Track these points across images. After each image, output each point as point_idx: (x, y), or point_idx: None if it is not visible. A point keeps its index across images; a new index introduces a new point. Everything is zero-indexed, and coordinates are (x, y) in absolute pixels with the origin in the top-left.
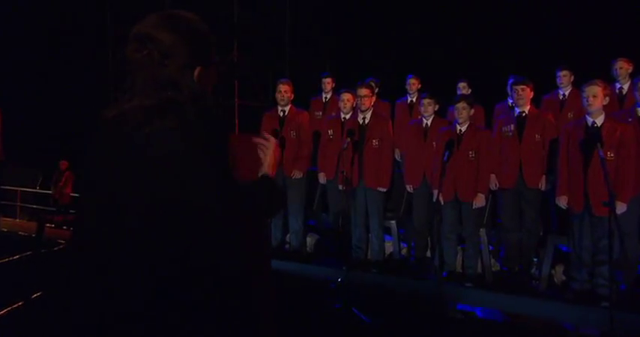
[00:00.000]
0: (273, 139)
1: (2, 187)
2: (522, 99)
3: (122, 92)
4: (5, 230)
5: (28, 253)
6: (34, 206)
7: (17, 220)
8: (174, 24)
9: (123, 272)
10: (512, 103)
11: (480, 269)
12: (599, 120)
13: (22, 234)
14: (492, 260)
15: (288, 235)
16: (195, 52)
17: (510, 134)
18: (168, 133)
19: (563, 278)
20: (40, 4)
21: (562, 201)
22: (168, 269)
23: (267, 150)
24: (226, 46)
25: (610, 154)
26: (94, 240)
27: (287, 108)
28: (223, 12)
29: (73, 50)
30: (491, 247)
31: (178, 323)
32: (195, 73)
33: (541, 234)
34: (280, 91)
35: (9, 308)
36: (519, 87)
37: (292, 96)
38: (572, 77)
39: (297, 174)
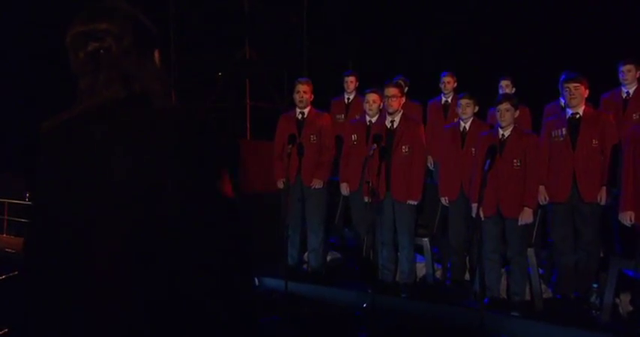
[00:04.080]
0: None
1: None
2: (575, 99)
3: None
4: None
5: (15, 273)
6: (23, 220)
7: (4, 236)
8: (113, 12)
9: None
10: (564, 104)
11: (528, 296)
12: None
13: (10, 251)
14: (543, 286)
15: (306, 254)
16: (143, 34)
17: (561, 139)
18: (133, 135)
19: (631, 308)
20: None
21: (627, 218)
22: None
23: None
24: (237, 41)
25: None
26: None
27: (306, 111)
28: (233, 4)
29: (66, 51)
30: (541, 270)
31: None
32: (156, 55)
33: (601, 255)
34: (299, 92)
35: None
36: (572, 85)
37: (312, 97)
38: (639, 73)
39: (317, 184)
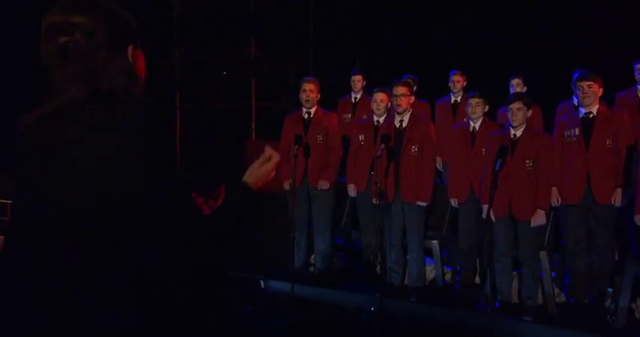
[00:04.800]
0: (276, 155)
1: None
2: (589, 98)
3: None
4: None
5: None
6: None
7: None
8: (87, 4)
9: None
10: (577, 103)
11: (540, 300)
12: None
13: None
14: (556, 290)
15: (312, 256)
16: (119, 28)
17: (574, 139)
18: (95, 133)
19: None
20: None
21: None
22: (96, 278)
23: (269, 163)
24: (242, 39)
25: None
26: (24, 255)
27: (312, 110)
28: (239, 2)
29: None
30: (554, 274)
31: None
32: (129, 51)
33: (616, 259)
34: (305, 91)
35: None
36: (585, 84)
37: (318, 96)
38: None
39: (324, 185)
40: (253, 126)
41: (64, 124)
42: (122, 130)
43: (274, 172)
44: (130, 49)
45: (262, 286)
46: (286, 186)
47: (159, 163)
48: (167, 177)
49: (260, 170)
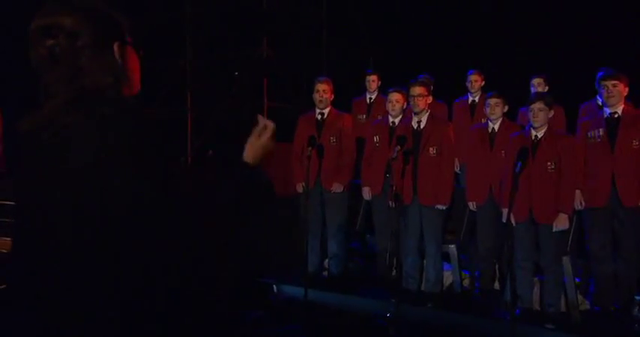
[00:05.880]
0: (271, 124)
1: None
2: (614, 98)
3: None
4: (5, 251)
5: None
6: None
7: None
8: (70, 6)
9: (56, 285)
10: (601, 103)
11: (563, 308)
12: None
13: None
14: (579, 297)
15: (326, 260)
16: (103, 27)
17: (599, 140)
18: (82, 135)
19: None
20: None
21: None
22: (96, 281)
23: (266, 133)
24: (254, 39)
25: None
26: (28, 259)
27: (326, 111)
28: (251, 2)
29: None
30: (577, 280)
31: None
32: (115, 49)
33: None
34: (318, 91)
35: None
36: (609, 83)
37: (332, 96)
38: None
39: (338, 188)
40: None
41: (51, 128)
42: (105, 131)
43: (273, 143)
44: (115, 47)
45: (275, 291)
46: (299, 188)
47: (147, 162)
48: (158, 176)
49: (257, 143)
